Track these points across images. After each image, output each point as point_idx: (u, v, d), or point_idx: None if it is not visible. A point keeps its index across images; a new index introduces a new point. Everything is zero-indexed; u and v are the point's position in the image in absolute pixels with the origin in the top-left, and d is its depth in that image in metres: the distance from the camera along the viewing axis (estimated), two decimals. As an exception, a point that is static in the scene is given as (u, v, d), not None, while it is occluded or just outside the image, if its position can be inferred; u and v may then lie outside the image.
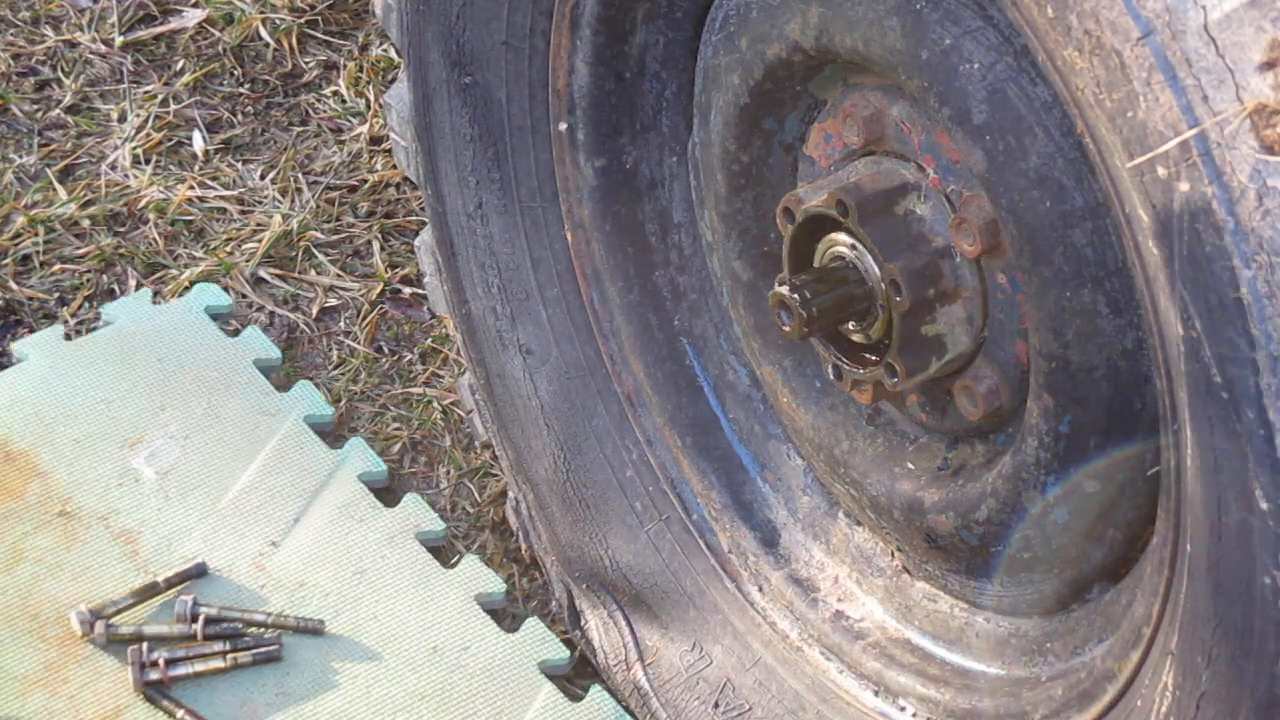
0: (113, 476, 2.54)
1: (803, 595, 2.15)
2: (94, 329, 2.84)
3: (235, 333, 2.80)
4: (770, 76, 1.92)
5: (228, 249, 2.97)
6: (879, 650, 2.06)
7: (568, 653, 2.38)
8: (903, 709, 2.02)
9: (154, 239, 3.00)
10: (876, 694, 2.05)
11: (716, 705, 2.19)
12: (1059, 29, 1.42)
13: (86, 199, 3.07)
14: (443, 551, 2.53)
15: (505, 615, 2.46)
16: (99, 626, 2.32)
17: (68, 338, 2.81)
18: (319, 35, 3.31)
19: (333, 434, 2.67)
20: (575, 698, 2.34)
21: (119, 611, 2.35)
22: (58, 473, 2.53)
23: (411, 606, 2.42)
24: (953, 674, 1.99)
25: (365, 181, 3.08)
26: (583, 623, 2.34)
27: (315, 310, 2.90)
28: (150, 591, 2.37)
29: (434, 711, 2.31)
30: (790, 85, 1.93)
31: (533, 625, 2.41)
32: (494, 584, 2.45)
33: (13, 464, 2.54)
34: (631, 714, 2.31)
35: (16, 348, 2.77)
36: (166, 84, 3.23)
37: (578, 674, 2.40)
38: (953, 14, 1.71)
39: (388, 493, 2.59)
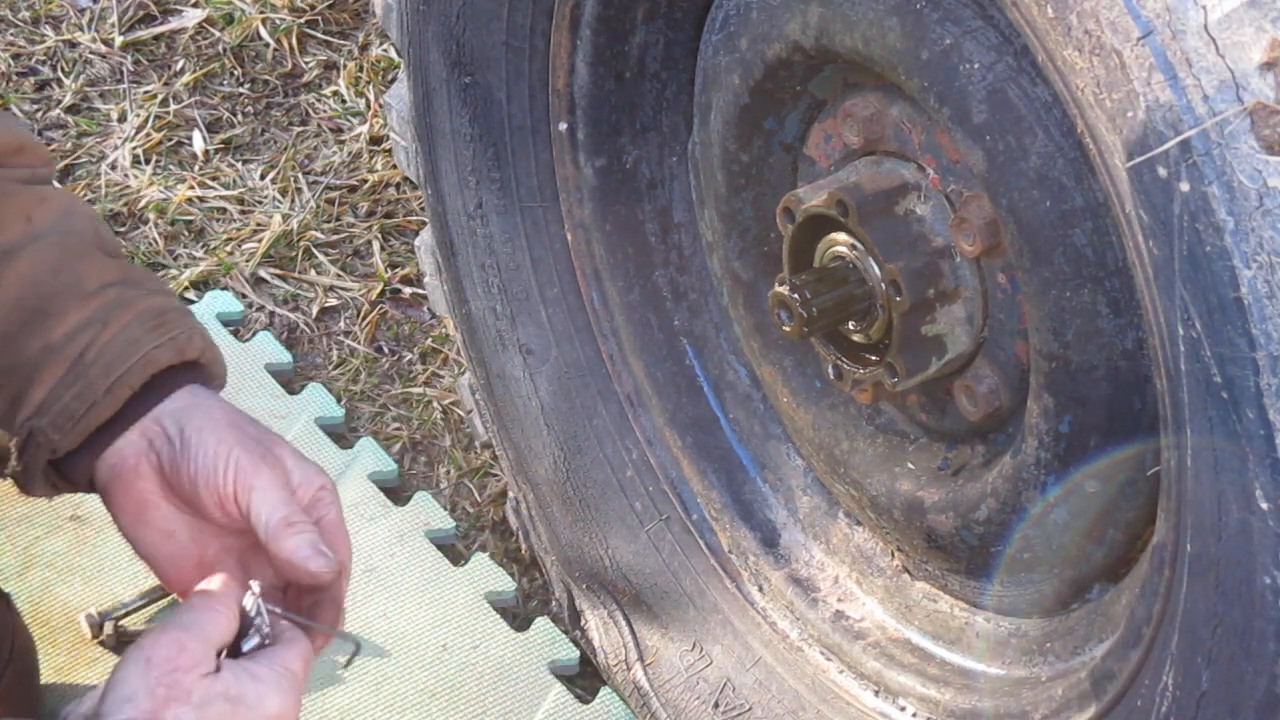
0: (124, 480, 2.54)
1: (803, 595, 2.15)
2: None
3: (248, 339, 2.81)
4: (770, 76, 1.93)
5: (228, 249, 2.98)
6: (879, 650, 2.06)
7: (577, 653, 2.38)
8: (903, 709, 2.02)
9: (154, 239, 3.00)
10: (876, 694, 2.05)
11: (716, 705, 2.19)
12: (1059, 29, 1.42)
13: (87, 199, 3.07)
14: (453, 549, 2.53)
15: (513, 614, 2.46)
16: (108, 627, 2.32)
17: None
18: (319, 35, 3.31)
19: (344, 435, 2.67)
20: (584, 700, 2.34)
21: (129, 613, 2.35)
22: (70, 478, 2.54)
23: (421, 604, 2.42)
24: (953, 674, 1.99)
25: (365, 181, 3.08)
26: (583, 623, 2.34)
27: (315, 310, 2.90)
28: (160, 593, 2.36)
29: (444, 710, 2.31)
30: (790, 85, 1.93)
31: (542, 625, 2.41)
32: (504, 582, 2.45)
33: (25, 470, 2.54)
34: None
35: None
36: (166, 84, 3.23)
37: (586, 675, 2.39)
38: (953, 14, 1.71)
39: (398, 492, 2.59)
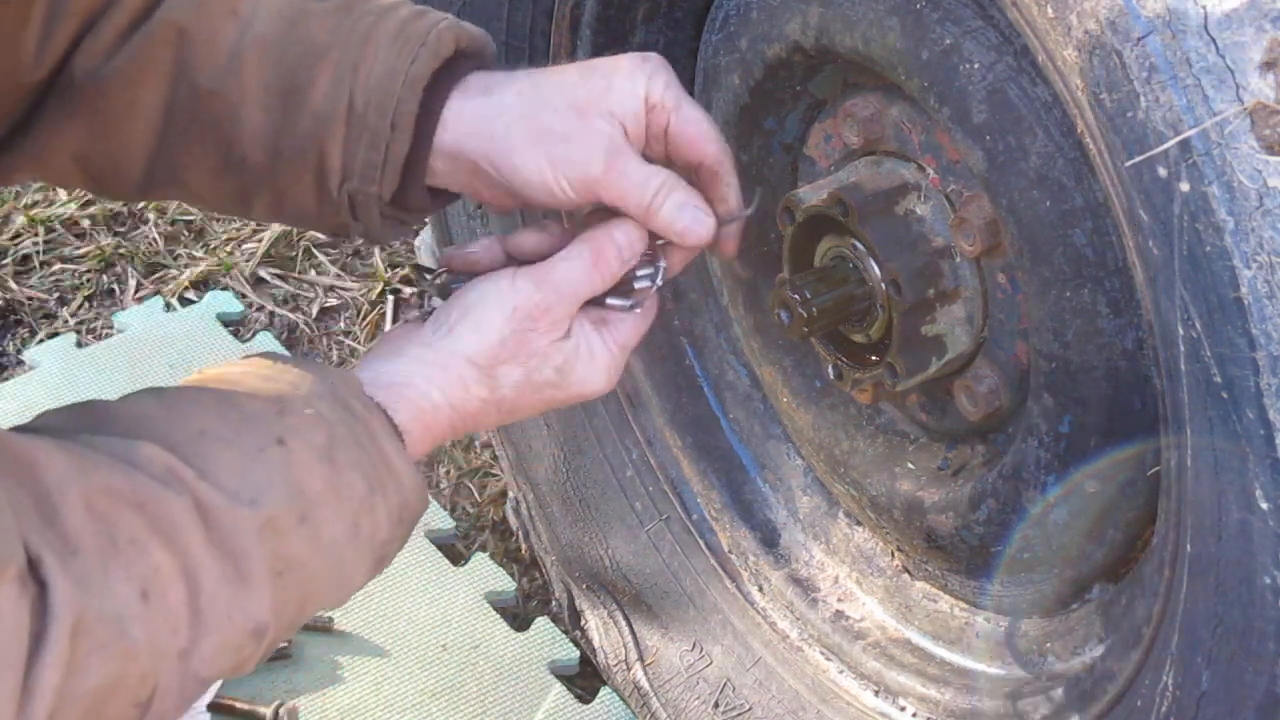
0: (120, 479, 2.54)
1: (803, 595, 2.15)
2: (106, 336, 2.84)
3: (248, 339, 2.81)
4: (770, 76, 1.93)
5: (228, 249, 2.97)
6: (879, 650, 2.06)
7: (577, 653, 2.38)
8: (903, 709, 2.02)
9: (154, 239, 3.00)
10: (876, 694, 2.05)
11: (716, 705, 2.19)
12: (1059, 29, 1.42)
13: (86, 199, 3.06)
14: (453, 549, 2.53)
15: (513, 614, 2.46)
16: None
17: (80, 345, 2.81)
18: (319, 35, 3.30)
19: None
20: (584, 700, 2.34)
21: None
22: (66, 476, 2.53)
23: (421, 604, 2.42)
24: (953, 674, 1.99)
25: (365, 181, 3.07)
26: (583, 623, 2.34)
27: (315, 310, 2.90)
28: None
29: (443, 710, 2.31)
30: (790, 85, 1.93)
31: (542, 625, 2.41)
32: (504, 582, 2.45)
33: (20, 468, 2.53)
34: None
35: (29, 355, 2.77)
36: (166, 84, 3.22)
37: (586, 675, 2.39)
38: (953, 14, 1.71)
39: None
